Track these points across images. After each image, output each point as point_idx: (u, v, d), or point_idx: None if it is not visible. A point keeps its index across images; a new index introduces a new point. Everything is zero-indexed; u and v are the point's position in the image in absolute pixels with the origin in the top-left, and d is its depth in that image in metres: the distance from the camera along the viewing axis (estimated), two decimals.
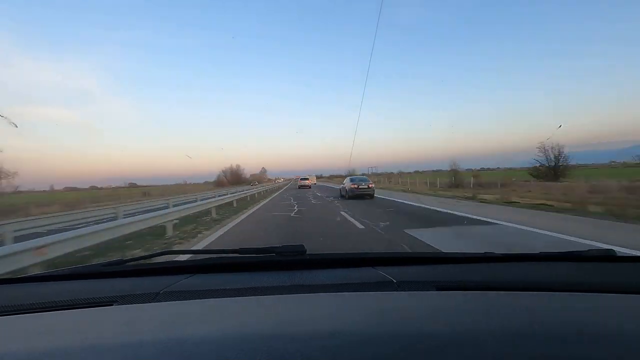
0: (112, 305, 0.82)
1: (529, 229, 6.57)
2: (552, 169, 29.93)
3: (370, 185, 17.16)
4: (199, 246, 6.07)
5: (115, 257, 5.57)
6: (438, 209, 10.71)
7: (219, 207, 12.09)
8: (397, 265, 1.07)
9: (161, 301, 0.83)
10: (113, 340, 0.57)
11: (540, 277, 0.94)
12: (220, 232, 7.68)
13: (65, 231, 4.55)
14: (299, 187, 34.18)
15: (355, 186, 17.00)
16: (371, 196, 16.95)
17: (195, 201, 12.91)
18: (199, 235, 7.48)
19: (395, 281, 0.89)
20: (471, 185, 25.60)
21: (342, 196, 17.96)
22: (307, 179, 36.54)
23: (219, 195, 17.28)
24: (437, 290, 0.85)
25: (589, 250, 1.06)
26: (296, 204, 14.82)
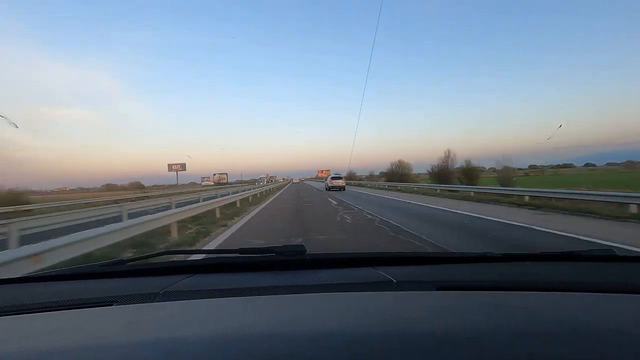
0: (112, 305, 0.82)
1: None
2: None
3: (342, 182, 27.44)
4: (259, 210, 10.44)
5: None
6: (368, 193, 23.50)
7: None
8: (397, 265, 1.07)
9: (161, 301, 0.83)
10: (113, 340, 0.57)
11: (540, 277, 0.94)
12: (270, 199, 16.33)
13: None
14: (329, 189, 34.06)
15: (331, 182, 27.24)
16: (343, 188, 27.04)
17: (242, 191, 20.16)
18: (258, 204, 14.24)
19: (395, 281, 0.89)
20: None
21: (325, 188, 28.07)
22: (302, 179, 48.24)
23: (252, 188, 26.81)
24: (437, 290, 0.85)
25: (589, 250, 1.06)
26: (299, 190, 30.69)
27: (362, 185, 41.14)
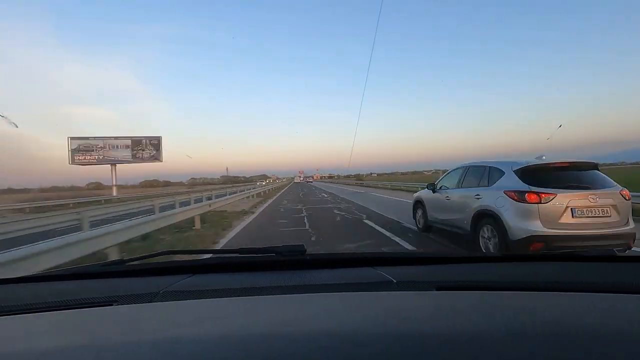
0: (112, 305, 0.82)
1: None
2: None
3: (311, 180, 57.10)
4: (277, 198, 15.53)
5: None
6: (344, 188, 35.19)
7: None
8: (397, 265, 1.07)
9: (161, 301, 0.83)
10: (113, 340, 0.57)
11: (540, 277, 0.94)
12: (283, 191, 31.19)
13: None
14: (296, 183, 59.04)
15: (304, 179, 58.29)
16: (311, 183, 51.57)
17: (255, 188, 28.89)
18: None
19: (395, 281, 0.89)
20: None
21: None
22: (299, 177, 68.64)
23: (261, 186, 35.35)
24: (437, 290, 0.85)
25: (589, 250, 1.07)
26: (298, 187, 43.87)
27: (349, 184, 53.73)
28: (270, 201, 17.91)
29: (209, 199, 14.26)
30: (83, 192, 39.75)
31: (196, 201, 13.17)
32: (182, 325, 0.63)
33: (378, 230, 7.01)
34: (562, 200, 3.81)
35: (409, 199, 10.11)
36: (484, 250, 4.33)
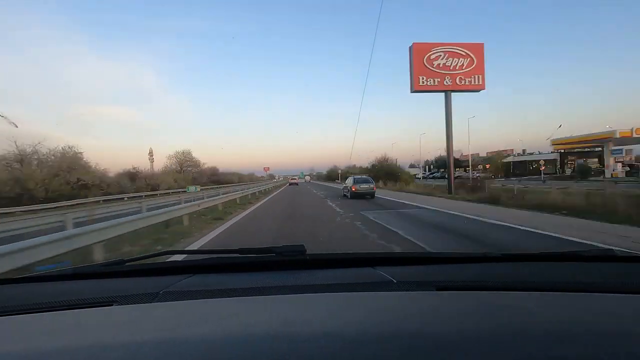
0: (112, 305, 0.82)
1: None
2: None
3: (295, 179, 63.09)
4: (279, 192, 19.51)
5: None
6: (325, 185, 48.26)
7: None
8: (397, 265, 1.07)
9: (161, 301, 0.83)
10: (113, 340, 0.57)
11: (540, 277, 0.94)
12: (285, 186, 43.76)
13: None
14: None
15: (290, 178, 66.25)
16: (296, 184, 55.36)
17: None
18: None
19: (395, 281, 0.89)
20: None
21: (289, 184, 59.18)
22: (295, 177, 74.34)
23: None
24: (437, 290, 0.85)
25: (589, 250, 1.07)
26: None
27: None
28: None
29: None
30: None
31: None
32: (183, 325, 0.63)
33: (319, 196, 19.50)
34: (355, 187, 17.14)
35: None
36: (345, 196, 15.87)
